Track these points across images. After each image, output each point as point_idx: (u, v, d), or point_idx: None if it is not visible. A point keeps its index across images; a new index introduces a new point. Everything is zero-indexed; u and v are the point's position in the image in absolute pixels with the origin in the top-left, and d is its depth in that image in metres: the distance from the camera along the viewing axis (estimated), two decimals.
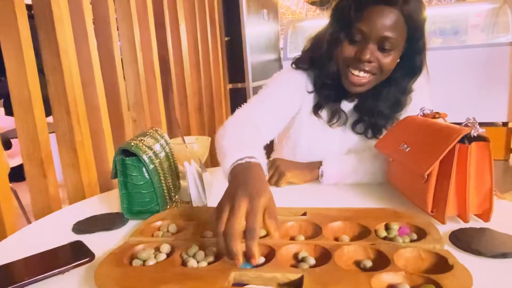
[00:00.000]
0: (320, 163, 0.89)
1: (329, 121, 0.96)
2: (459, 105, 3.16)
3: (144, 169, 0.69)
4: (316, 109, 0.96)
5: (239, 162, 0.63)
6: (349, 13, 0.84)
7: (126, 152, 0.70)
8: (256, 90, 2.79)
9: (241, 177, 0.59)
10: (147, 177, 0.70)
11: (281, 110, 0.95)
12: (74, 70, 1.30)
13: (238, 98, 2.73)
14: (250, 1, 2.65)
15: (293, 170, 0.89)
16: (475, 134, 0.60)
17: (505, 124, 3.16)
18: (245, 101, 2.78)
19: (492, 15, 3.45)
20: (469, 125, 0.61)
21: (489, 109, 3.16)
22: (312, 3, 6.35)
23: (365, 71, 0.86)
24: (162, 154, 0.76)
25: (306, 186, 0.89)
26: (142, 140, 0.72)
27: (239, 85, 2.72)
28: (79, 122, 1.32)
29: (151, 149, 0.72)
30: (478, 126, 0.60)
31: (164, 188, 0.73)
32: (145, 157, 0.69)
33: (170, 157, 0.81)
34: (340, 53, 0.87)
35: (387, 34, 0.82)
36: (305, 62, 0.97)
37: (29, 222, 2.04)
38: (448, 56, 3.15)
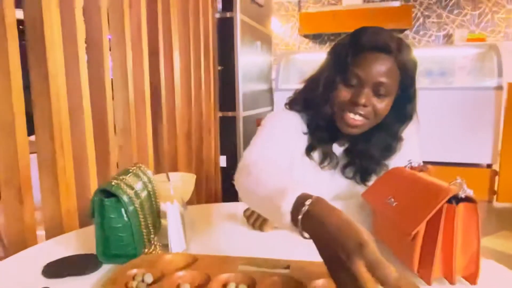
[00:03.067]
0: None
1: (321, 163, 0.95)
2: (445, 145, 3.21)
3: (123, 211, 0.66)
4: (309, 150, 0.96)
5: (304, 207, 0.53)
6: (346, 57, 0.86)
7: (105, 192, 0.67)
8: (246, 119, 2.80)
9: (322, 229, 0.50)
10: (126, 219, 0.67)
11: (283, 151, 0.93)
12: (62, 94, 1.28)
13: (227, 127, 2.73)
14: (244, 32, 2.69)
15: None
16: (463, 196, 0.60)
17: (489, 166, 3.21)
18: (235, 130, 2.79)
19: (478, 59, 3.57)
20: (457, 185, 0.61)
21: (474, 151, 3.21)
22: (305, 36, 6.52)
23: (360, 115, 0.86)
24: (144, 193, 0.74)
25: (291, 233, 0.87)
26: (123, 179, 0.70)
27: (230, 113, 2.72)
28: (63, 148, 1.28)
29: (133, 189, 0.70)
30: (465, 187, 0.60)
31: (143, 230, 0.70)
32: (125, 198, 0.66)
33: (152, 195, 0.78)
34: (336, 96, 0.88)
35: (382, 79, 0.83)
36: (298, 103, 0.97)
37: (3, 245, 1.95)
38: (435, 97, 3.23)
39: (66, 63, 1.31)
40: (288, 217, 0.56)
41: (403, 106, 0.90)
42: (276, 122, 0.96)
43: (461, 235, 0.60)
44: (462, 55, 3.80)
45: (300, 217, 0.53)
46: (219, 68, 2.65)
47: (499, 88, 3.10)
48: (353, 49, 0.85)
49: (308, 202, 0.53)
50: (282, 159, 0.87)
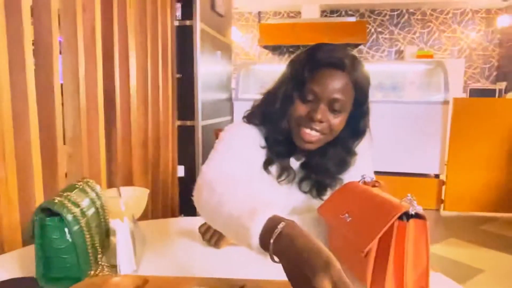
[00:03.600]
0: None
1: (278, 177, 0.95)
2: (395, 156, 3.35)
3: (66, 231, 0.62)
4: (267, 164, 0.95)
5: (276, 230, 0.54)
6: (303, 73, 0.87)
7: (48, 210, 0.62)
8: (205, 128, 2.76)
9: (292, 250, 0.51)
10: (70, 240, 0.62)
11: (243, 166, 0.90)
12: (6, 101, 1.19)
13: (186, 136, 2.68)
14: (204, 41, 2.67)
15: None
16: (413, 212, 0.61)
17: (437, 176, 3.39)
18: (193, 139, 2.74)
19: (426, 75, 3.78)
20: (408, 201, 0.62)
21: (423, 162, 3.38)
22: (265, 47, 6.61)
23: (316, 131, 0.87)
24: (91, 211, 0.70)
25: (250, 251, 0.85)
26: (68, 195, 0.65)
27: (188, 122, 2.68)
28: (5, 157, 1.19)
29: (78, 206, 0.65)
30: (416, 204, 0.62)
31: (89, 251, 0.66)
32: (69, 217, 0.62)
33: (101, 212, 0.74)
34: (293, 111, 0.89)
35: (337, 96, 0.85)
36: (256, 117, 0.97)
37: None
38: (386, 110, 3.36)
39: (11, 66, 1.22)
40: (256, 239, 0.56)
41: (357, 122, 0.92)
42: (234, 136, 0.95)
43: (411, 251, 0.62)
44: (412, 71, 4.02)
45: (272, 240, 0.54)
46: (178, 76, 2.60)
47: (446, 102, 3.29)
48: (309, 65, 0.86)
49: (281, 226, 0.54)
50: (243, 175, 0.85)
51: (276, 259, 0.54)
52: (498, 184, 3.20)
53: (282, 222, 0.55)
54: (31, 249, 0.83)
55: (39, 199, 1.34)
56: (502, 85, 6.04)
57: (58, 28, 1.45)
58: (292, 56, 0.94)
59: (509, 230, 2.96)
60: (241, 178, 0.80)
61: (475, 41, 6.47)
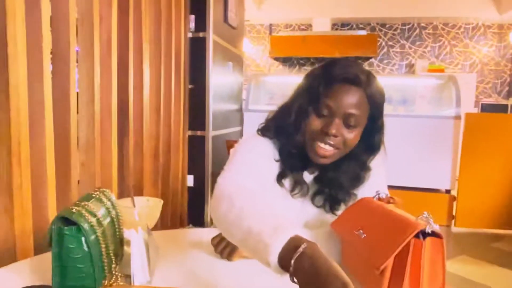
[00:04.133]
0: None
1: (292, 191, 0.95)
2: (406, 170, 3.31)
3: (83, 240, 0.63)
4: (280, 177, 0.95)
5: (299, 250, 0.56)
6: (318, 88, 0.87)
7: (65, 219, 0.63)
8: (215, 138, 2.78)
9: (312, 270, 0.53)
10: (86, 249, 0.63)
11: (258, 178, 0.90)
12: (23, 108, 1.22)
13: (196, 146, 2.69)
14: (216, 52, 2.71)
15: None
16: (430, 231, 0.61)
17: (448, 191, 3.35)
18: (203, 149, 2.74)
19: (438, 89, 3.76)
20: (424, 219, 0.62)
21: (434, 177, 3.34)
22: (275, 59, 6.66)
23: (330, 145, 0.87)
24: (107, 220, 0.70)
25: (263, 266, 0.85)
26: (85, 205, 0.66)
27: (199, 133, 2.70)
28: (20, 164, 1.21)
29: (95, 216, 0.66)
30: (432, 222, 0.61)
31: (105, 260, 0.66)
32: (86, 226, 0.62)
33: (116, 222, 0.74)
34: (308, 126, 0.89)
35: (352, 111, 0.85)
36: (271, 130, 0.97)
37: None
38: (397, 124, 3.33)
39: (29, 73, 1.25)
40: (275, 257, 0.57)
41: (372, 137, 0.92)
42: (249, 148, 0.95)
43: (427, 269, 0.61)
44: (423, 85, 4.00)
45: (293, 261, 0.55)
46: (190, 86, 2.63)
47: (458, 117, 3.26)
48: (325, 80, 0.87)
49: (303, 246, 0.56)
50: (259, 188, 0.86)
51: (295, 279, 0.55)
52: (511, 201, 3.15)
53: (304, 243, 0.56)
54: (43, 257, 0.84)
55: (51, 206, 1.36)
56: None
57: (75, 38, 1.49)
58: (308, 70, 0.95)
59: None
60: (259, 192, 0.81)
61: (487, 56, 6.44)
